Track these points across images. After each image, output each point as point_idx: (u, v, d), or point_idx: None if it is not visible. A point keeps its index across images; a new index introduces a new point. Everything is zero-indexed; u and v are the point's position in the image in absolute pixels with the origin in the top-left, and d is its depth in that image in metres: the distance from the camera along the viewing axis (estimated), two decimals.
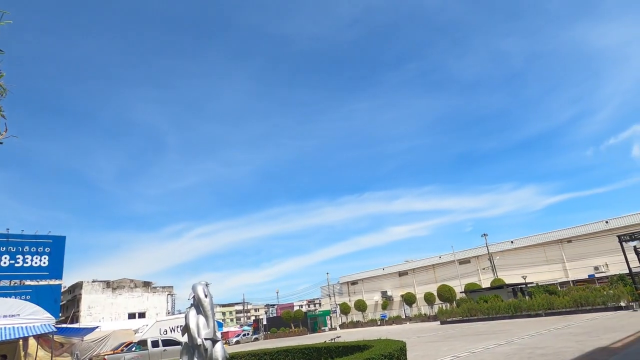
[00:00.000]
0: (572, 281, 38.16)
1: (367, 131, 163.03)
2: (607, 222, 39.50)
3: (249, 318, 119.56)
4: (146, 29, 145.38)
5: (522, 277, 40.08)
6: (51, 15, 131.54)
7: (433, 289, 46.65)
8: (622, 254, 25.87)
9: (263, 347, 13.27)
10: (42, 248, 27.34)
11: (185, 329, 7.30)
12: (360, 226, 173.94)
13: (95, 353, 23.45)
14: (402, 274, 58.22)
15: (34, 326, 17.31)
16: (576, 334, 14.66)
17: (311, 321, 57.43)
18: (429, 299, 46.20)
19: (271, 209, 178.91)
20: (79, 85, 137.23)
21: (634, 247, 25.28)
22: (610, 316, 20.79)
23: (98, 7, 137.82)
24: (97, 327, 27.01)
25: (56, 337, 20.53)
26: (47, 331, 17.87)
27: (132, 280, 60.69)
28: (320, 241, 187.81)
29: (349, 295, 63.38)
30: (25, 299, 22.53)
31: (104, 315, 54.04)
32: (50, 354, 19.54)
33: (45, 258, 27.31)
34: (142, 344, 21.49)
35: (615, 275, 30.54)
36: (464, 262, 50.72)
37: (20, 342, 18.85)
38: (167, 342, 21.97)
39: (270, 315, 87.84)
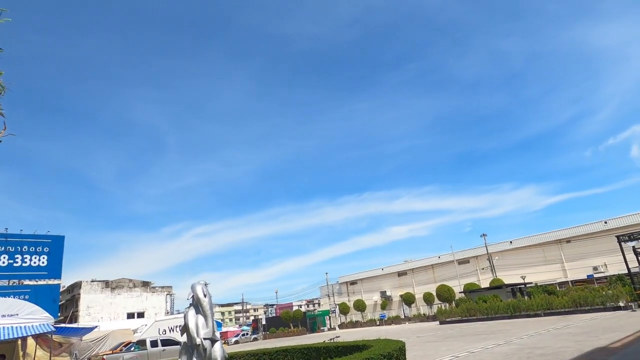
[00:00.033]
0: (571, 281, 38.21)
1: (367, 131, 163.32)
2: (606, 223, 39.55)
3: (248, 318, 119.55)
4: (146, 29, 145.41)
5: (521, 277, 40.10)
6: (51, 15, 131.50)
7: (432, 289, 46.70)
8: (621, 254, 25.95)
9: (262, 347, 13.26)
10: (40, 248, 27.30)
11: (184, 328, 7.30)
12: (360, 226, 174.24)
13: (94, 353, 23.38)
14: (401, 274, 58.23)
15: (32, 326, 17.24)
16: (575, 334, 14.67)
17: (310, 321, 57.47)
18: (428, 299, 46.27)
19: (271, 209, 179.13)
20: (79, 85, 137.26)
21: (633, 247, 25.32)
22: (609, 316, 20.81)
23: (98, 7, 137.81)
24: (96, 326, 26.90)
25: (55, 337, 20.45)
26: (45, 331, 17.80)
27: (131, 280, 60.64)
28: (319, 241, 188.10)
29: (348, 295, 63.35)
30: (24, 299, 22.48)
31: (102, 315, 54.02)
32: (49, 354, 19.48)
33: (44, 258, 27.27)
34: (141, 343, 21.47)
35: (614, 275, 30.57)
36: (463, 262, 50.74)
37: (19, 341, 18.82)
38: (166, 342, 21.93)
39: (270, 315, 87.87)
